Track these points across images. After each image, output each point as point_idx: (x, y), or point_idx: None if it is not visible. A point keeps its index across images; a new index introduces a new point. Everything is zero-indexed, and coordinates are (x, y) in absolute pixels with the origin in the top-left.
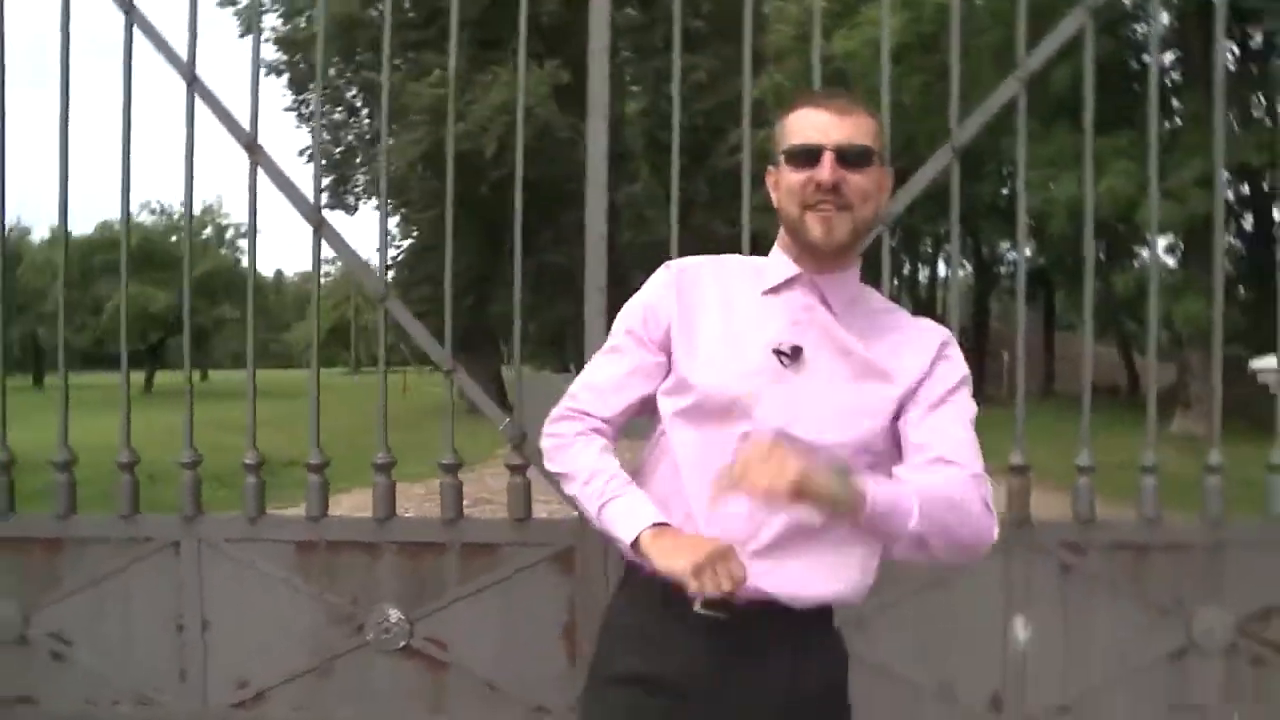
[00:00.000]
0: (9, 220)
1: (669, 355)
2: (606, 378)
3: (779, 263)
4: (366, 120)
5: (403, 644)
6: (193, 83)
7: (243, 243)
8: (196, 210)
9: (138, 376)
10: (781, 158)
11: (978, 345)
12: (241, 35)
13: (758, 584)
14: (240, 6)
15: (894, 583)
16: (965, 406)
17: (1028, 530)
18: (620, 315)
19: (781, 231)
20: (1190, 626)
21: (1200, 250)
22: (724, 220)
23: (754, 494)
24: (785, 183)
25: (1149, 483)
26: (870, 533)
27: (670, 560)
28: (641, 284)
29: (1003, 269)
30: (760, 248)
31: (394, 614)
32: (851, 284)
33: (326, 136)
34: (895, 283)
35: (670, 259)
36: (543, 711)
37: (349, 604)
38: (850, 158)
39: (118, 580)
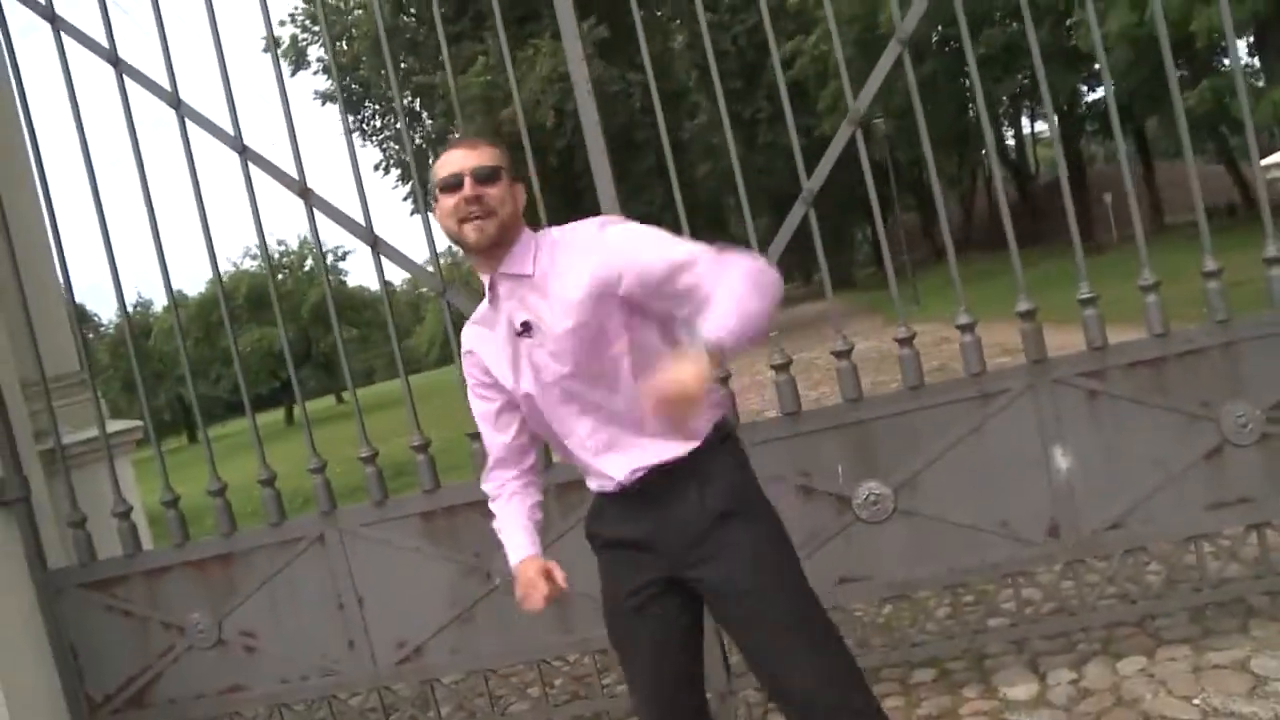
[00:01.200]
0: (131, 297)
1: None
2: (486, 429)
3: (483, 281)
4: (429, 122)
5: None
6: (244, 152)
7: (343, 265)
8: (294, 244)
9: (277, 414)
10: (437, 191)
11: (1078, 193)
12: (293, 74)
13: (642, 462)
14: (283, 48)
15: (933, 438)
16: (653, 236)
17: (1046, 367)
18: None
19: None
20: (1220, 424)
21: (1275, 39)
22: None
23: (687, 398)
24: (442, 208)
25: (1151, 300)
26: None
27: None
28: (733, 205)
29: (1082, 110)
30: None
31: None
32: (521, 254)
33: (395, 146)
34: (981, 151)
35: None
36: None
37: (473, 557)
38: (481, 176)
39: (281, 578)
